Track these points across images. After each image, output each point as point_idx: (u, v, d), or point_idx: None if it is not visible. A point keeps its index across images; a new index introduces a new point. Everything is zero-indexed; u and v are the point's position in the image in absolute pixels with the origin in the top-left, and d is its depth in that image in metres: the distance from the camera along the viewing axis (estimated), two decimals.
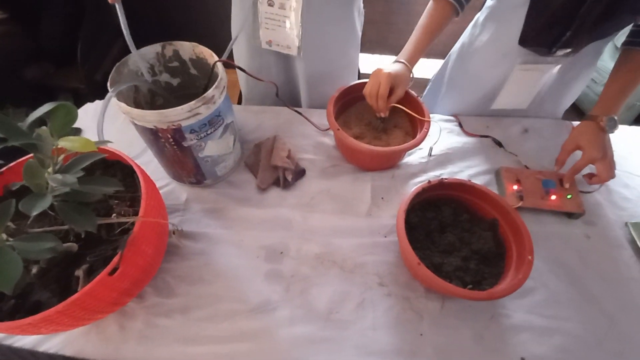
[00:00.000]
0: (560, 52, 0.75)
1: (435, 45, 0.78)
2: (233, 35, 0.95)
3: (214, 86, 0.59)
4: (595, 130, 0.70)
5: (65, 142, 0.39)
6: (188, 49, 0.68)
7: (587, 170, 0.74)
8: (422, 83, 0.88)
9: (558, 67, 0.81)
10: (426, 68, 1.73)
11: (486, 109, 0.93)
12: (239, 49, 0.95)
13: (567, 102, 0.94)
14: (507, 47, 0.80)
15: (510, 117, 0.93)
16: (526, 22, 0.74)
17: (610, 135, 0.71)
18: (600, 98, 0.74)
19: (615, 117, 0.69)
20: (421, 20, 0.77)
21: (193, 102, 0.57)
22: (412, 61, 0.75)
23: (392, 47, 1.78)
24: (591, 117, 0.72)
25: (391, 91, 0.72)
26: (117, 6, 0.59)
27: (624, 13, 0.65)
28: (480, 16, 0.87)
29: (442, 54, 1.03)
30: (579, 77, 0.86)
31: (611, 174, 0.69)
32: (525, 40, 0.76)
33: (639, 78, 0.71)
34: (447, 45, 1.02)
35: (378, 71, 0.73)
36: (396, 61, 0.75)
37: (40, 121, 0.43)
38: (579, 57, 0.79)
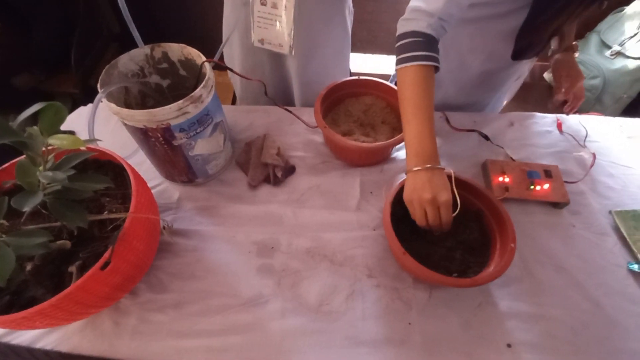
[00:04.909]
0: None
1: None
2: (224, 35, 0.97)
3: (201, 85, 0.61)
4: (574, 59, 0.87)
5: (55, 140, 0.40)
6: (176, 50, 0.70)
7: None
8: (385, 79, 0.90)
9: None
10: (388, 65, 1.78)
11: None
12: (232, 48, 0.97)
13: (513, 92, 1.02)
14: (493, 58, 0.83)
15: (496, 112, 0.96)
16: (518, 41, 0.76)
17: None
18: (562, 37, 0.86)
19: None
20: (414, 100, 0.61)
21: (181, 101, 0.58)
22: (437, 158, 0.60)
23: (382, 46, 1.80)
24: (568, 49, 0.87)
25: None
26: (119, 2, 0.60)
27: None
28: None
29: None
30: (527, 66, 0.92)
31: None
32: (518, 55, 0.79)
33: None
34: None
35: (422, 198, 0.57)
36: (425, 168, 0.58)
37: (32, 122, 0.44)
38: None
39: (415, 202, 0.59)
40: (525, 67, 0.89)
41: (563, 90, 0.86)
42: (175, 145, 0.65)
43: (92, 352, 0.58)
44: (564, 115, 0.94)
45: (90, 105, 0.96)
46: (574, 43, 0.87)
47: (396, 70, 0.64)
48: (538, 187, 0.75)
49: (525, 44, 0.76)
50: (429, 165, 0.58)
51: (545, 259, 0.69)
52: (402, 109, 0.63)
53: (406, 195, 0.60)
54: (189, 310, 0.62)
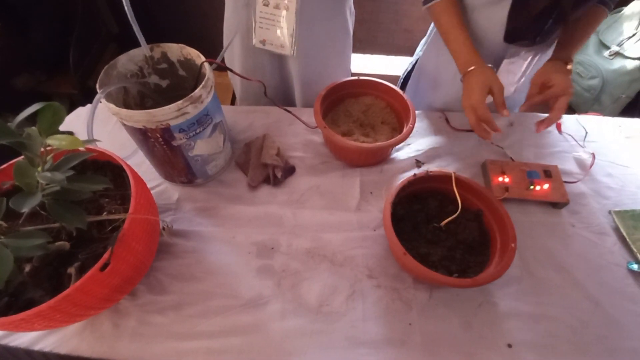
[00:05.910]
0: (541, 42, 0.79)
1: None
2: (225, 36, 0.97)
3: (200, 86, 0.60)
4: (564, 68, 0.77)
5: (53, 141, 0.40)
6: (176, 50, 0.70)
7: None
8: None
9: (537, 54, 0.85)
10: (395, 66, 1.76)
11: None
12: (232, 50, 0.96)
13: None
14: (491, 44, 0.82)
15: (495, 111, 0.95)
16: (509, 21, 0.76)
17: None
18: (562, 43, 0.80)
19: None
20: (444, 26, 0.78)
21: (180, 101, 0.58)
22: (478, 60, 0.74)
23: (381, 47, 1.79)
24: (559, 58, 0.78)
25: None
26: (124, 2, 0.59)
27: None
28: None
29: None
30: (544, 59, 0.89)
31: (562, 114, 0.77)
32: (511, 37, 0.78)
33: (592, 29, 0.80)
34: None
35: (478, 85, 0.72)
36: (469, 71, 0.74)
37: (31, 123, 0.44)
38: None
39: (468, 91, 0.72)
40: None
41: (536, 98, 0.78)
42: (174, 146, 0.65)
43: (91, 354, 0.57)
44: (563, 116, 0.94)
45: (89, 105, 0.96)
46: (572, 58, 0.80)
47: (427, 9, 0.80)
48: (538, 187, 0.75)
49: (516, 25, 0.77)
50: (472, 68, 0.73)
51: (545, 258, 0.69)
52: (442, 37, 0.80)
53: (464, 100, 0.74)
54: (188, 312, 0.61)
